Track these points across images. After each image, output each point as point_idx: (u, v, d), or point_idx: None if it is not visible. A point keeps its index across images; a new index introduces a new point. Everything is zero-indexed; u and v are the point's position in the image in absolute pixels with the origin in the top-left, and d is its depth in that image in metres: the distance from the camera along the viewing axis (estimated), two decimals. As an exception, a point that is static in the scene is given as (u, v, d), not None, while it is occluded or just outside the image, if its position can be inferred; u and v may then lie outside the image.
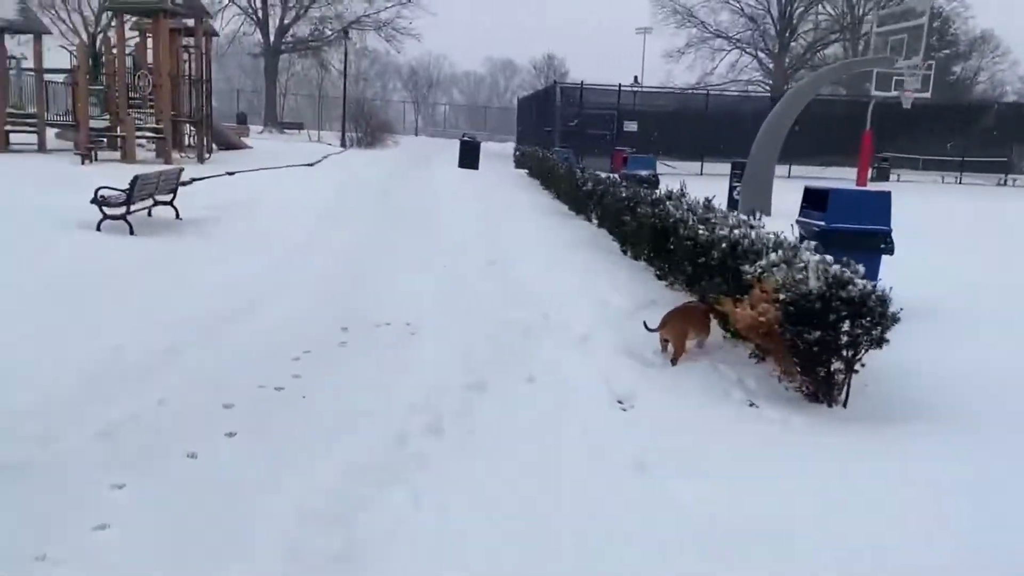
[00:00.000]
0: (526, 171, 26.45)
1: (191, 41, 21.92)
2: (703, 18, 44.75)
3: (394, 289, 8.14)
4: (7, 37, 20.97)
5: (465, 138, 25.95)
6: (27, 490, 3.65)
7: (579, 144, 28.94)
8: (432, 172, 23.24)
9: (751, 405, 5.12)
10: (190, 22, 21.75)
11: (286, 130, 43.73)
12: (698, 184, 10.85)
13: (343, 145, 33.97)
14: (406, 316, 7.04)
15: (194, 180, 14.76)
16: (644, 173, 17.53)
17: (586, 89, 30.56)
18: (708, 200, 8.09)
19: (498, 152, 38.45)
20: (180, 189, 12.02)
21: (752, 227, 6.46)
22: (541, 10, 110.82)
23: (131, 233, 10.00)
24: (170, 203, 11.73)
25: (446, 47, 66.44)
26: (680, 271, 7.97)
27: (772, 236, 6.11)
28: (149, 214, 11.43)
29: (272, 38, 44.73)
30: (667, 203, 8.53)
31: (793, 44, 45.86)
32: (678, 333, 5.99)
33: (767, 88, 43.95)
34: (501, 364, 5.80)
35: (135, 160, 18.72)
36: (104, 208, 10.03)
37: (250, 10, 44.43)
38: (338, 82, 51.73)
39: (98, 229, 9.94)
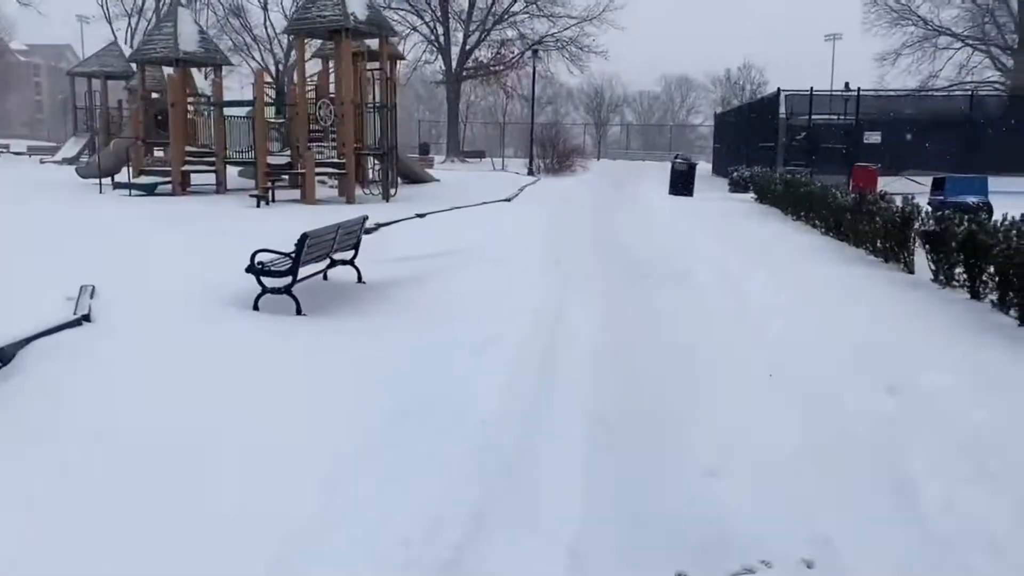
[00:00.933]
0: (751, 196, 22.27)
1: (375, 67, 19.71)
2: (923, 15, 38.70)
3: (716, 439, 4.59)
4: (197, 74, 19.76)
5: (678, 160, 22.13)
6: None
7: (806, 160, 24.39)
8: (645, 202, 19.69)
9: None
10: (373, 45, 19.58)
11: (467, 159, 41.92)
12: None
13: (530, 173, 31.27)
14: (797, 539, 3.46)
15: (380, 226, 12.03)
16: (972, 200, 13.00)
17: (815, 97, 25.82)
18: None
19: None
20: (364, 237, 9.21)
21: None
22: (718, 23, 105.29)
23: (298, 312, 7.14)
24: (350, 262, 8.91)
25: (617, 67, 62.48)
26: None
27: None
28: (325, 277, 8.65)
29: (455, 64, 43.12)
30: None
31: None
32: None
33: (1002, 88, 36.89)
34: None
35: (314, 200, 16.53)
36: (262, 279, 7.24)
37: (432, 37, 43.14)
38: (512, 108, 49.65)
39: (255, 307, 7.16)
